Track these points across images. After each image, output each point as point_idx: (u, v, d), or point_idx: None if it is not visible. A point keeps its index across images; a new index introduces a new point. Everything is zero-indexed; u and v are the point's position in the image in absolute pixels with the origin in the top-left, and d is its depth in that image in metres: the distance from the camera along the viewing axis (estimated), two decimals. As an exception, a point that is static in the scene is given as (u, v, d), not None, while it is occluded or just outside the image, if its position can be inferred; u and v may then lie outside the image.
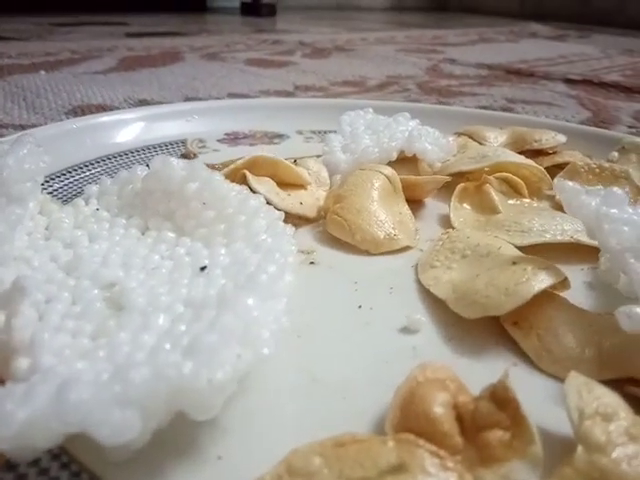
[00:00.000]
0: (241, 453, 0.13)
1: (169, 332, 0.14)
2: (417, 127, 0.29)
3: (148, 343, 0.14)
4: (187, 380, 0.11)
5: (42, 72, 0.59)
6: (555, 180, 0.28)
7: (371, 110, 0.33)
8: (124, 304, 0.16)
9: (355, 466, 0.12)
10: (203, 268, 0.17)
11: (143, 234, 0.20)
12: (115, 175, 0.22)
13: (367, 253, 0.23)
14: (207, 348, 0.12)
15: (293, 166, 0.26)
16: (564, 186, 0.22)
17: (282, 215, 0.19)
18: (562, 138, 0.33)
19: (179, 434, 0.13)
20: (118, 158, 0.32)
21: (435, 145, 0.29)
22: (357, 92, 0.60)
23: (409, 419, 0.14)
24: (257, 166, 0.25)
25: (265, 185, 0.24)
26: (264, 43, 0.94)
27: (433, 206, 0.28)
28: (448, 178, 0.27)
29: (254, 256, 0.16)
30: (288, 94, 0.57)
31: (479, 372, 0.16)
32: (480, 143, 0.33)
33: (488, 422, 0.13)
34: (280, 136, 0.39)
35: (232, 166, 0.24)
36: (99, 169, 0.31)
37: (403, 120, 0.31)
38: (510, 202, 0.27)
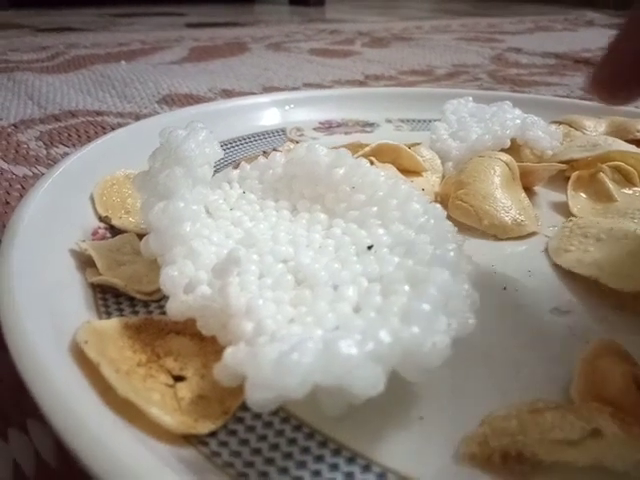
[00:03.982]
0: (440, 414, 0.14)
1: (367, 303, 0.15)
2: (528, 115, 0.30)
3: (346, 312, 0.15)
4: (417, 343, 0.12)
5: (123, 62, 0.61)
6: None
7: (471, 99, 0.34)
8: (302, 279, 0.17)
9: (555, 430, 0.13)
10: (370, 247, 0.18)
11: (294, 216, 0.21)
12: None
13: (494, 238, 0.24)
14: (425, 316, 0.13)
15: (414, 153, 0.27)
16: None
17: (431, 199, 0.20)
18: (664, 128, 0.33)
19: (382, 394, 0.14)
20: (232, 143, 0.33)
21: (546, 133, 0.29)
22: (427, 81, 0.60)
23: (594, 390, 0.14)
24: (381, 153, 0.26)
25: (390, 172, 0.25)
26: (323, 33, 0.95)
27: (543, 193, 0.29)
28: (564, 166, 0.27)
29: (422, 236, 0.17)
30: (361, 83, 0.58)
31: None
32: (581, 132, 0.33)
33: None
34: (371, 124, 0.40)
35: (360, 153, 0.25)
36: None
37: (508, 108, 0.31)
38: (624, 191, 0.27)
